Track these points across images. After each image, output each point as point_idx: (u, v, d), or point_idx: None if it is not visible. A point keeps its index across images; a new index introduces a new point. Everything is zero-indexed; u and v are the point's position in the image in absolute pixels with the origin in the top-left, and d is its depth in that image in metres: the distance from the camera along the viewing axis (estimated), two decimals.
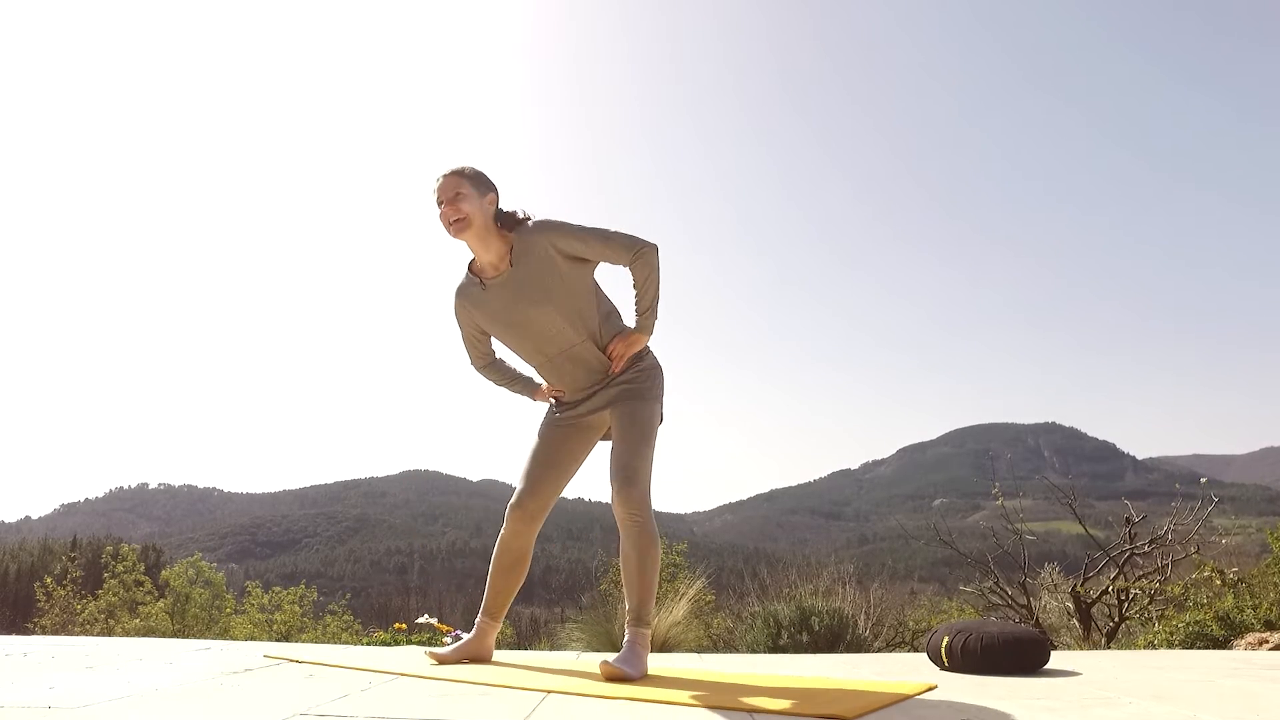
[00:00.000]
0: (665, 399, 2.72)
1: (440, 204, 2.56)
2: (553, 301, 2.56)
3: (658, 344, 2.74)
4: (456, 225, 2.54)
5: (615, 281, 2.68)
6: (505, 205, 2.65)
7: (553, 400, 2.83)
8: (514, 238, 2.58)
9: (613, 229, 2.56)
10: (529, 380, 2.92)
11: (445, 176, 2.57)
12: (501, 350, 2.88)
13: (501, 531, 2.78)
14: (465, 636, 2.90)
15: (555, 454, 2.75)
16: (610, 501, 2.49)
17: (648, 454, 2.55)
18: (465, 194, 2.54)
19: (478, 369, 2.90)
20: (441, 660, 2.77)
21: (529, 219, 2.61)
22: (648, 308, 2.60)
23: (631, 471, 2.50)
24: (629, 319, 2.69)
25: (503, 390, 2.96)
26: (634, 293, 2.60)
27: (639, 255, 2.54)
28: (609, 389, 2.66)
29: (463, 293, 2.71)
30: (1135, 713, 2.01)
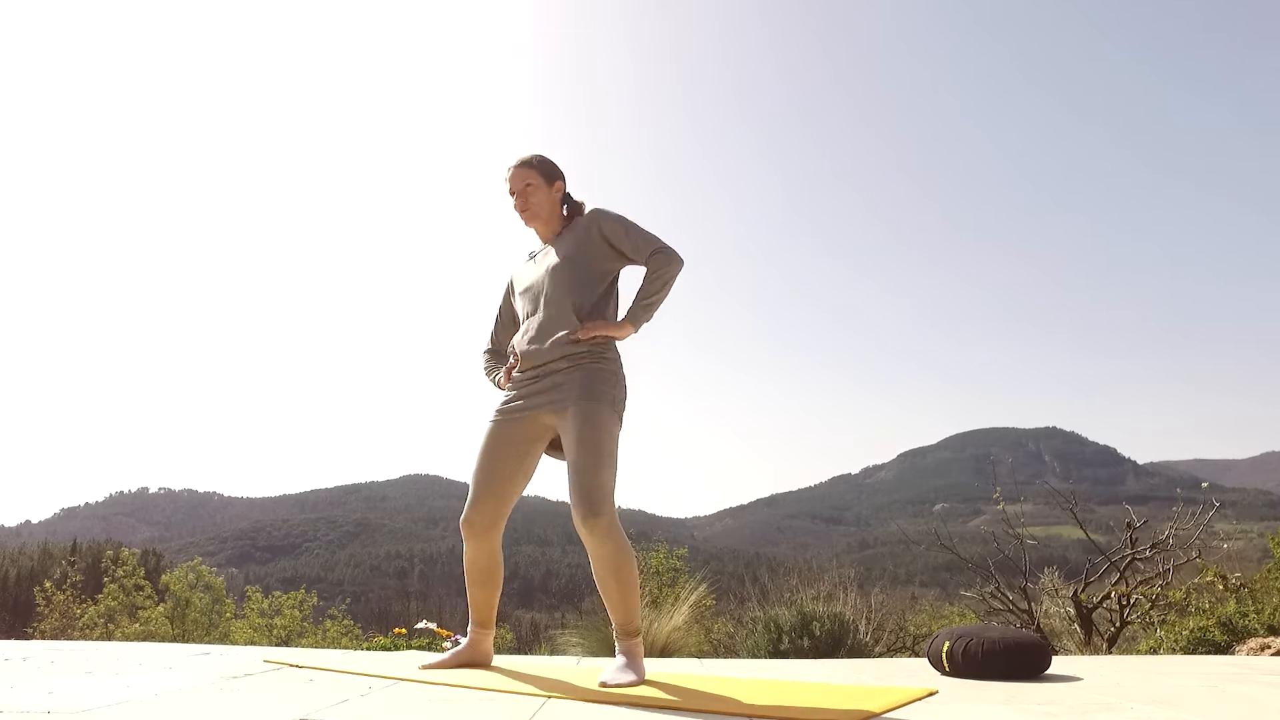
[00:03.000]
0: (625, 414, 2.59)
1: (512, 193, 2.75)
2: (571, 260, 2.65)
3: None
4: (525, 216, 2.76)
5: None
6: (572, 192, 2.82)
7: (509, 382, 2.72)
8: (571, 220, 2.78)
9: (654, 234, 2.66)
10: (503, 364, 2.85)
11: (515, 168, 2.74)
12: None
13: (464, 548, 2.71)
14: (465, 641, 2.90)
15: (500, 464, 2.63)
16: (575, 522, 2.39)
17: (609, 475, 2.44)
18: (534, 185, 2.73)
19: (487, 351, 2.93)
20: (437, 668, 2.77)
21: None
22: (646, 303, 2.59)
23: (596, 501, 2.39)
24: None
25: (486, 380, 2.89)
26: (640, 286, 2.62)
27: (659, 252, 2.61)
28: (565, 373, 2.55)
29: (516, 269, 2.89)
30: (1137, 718, 2.00)
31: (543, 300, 2.66)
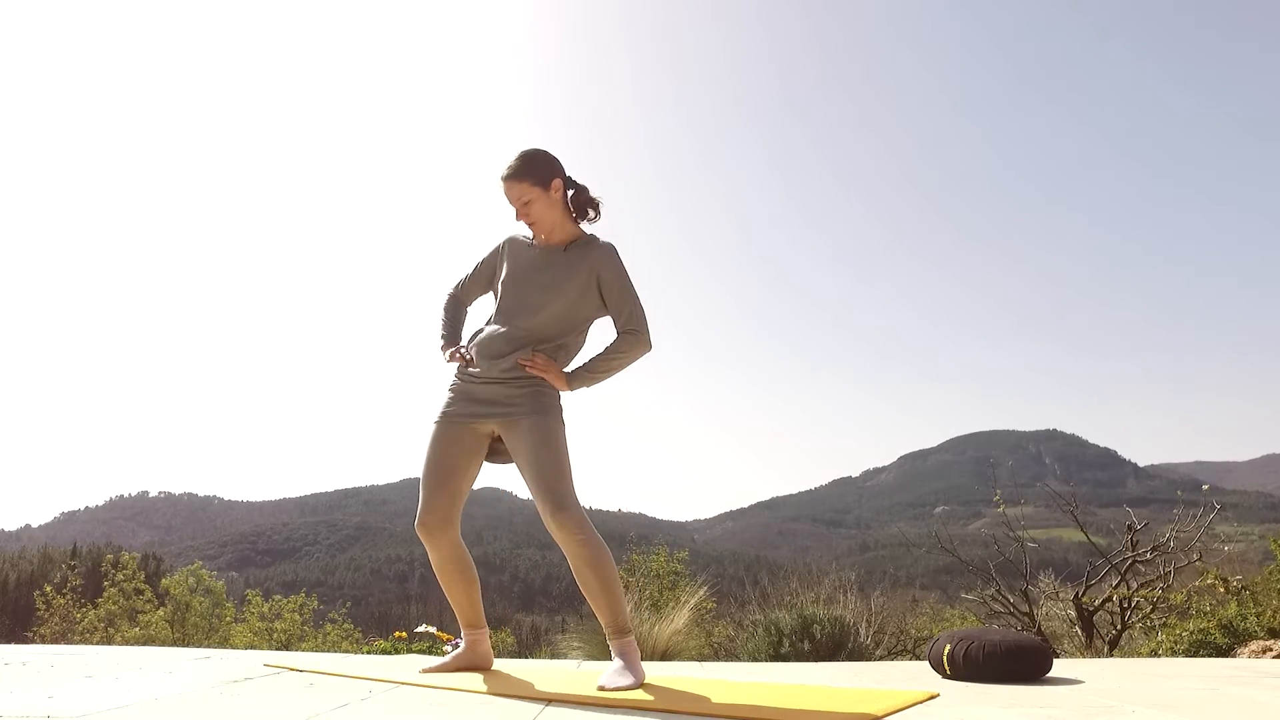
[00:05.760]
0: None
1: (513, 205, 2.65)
2: (558, 299, 2.63)
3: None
4: (534, 228, 2.67)
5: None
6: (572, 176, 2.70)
7: (458, 363, 2.73)
8: (582, 233, 2.70)
9: (642, 309, 2.66)
10: (454, 336, 2.86)
11: (505, 183, 2.63)
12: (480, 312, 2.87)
13: (428, 554, 2.74)
14: (462, 645, 2.90)
15: (446, 465, 2.67)
16: (545, 522, 2.47)
17: (568, 472, 2.55)
18: (532, 198, 2.62)
19: (451, 295, 2.88)
20: (437, 672, 2.77)
21: (598, 208, 2.70)
22: (594, 373, 2.65)
23: (560, 496, 2.49)
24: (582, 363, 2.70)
25: (435, 327, 2.90)
26: (600, 352, 2.66)
27: (634, 334, 2.63)
28: (514, 387, 2.59)
29: (514, 241, 2.78)
30: None
31: (523, 311, 2.63)
